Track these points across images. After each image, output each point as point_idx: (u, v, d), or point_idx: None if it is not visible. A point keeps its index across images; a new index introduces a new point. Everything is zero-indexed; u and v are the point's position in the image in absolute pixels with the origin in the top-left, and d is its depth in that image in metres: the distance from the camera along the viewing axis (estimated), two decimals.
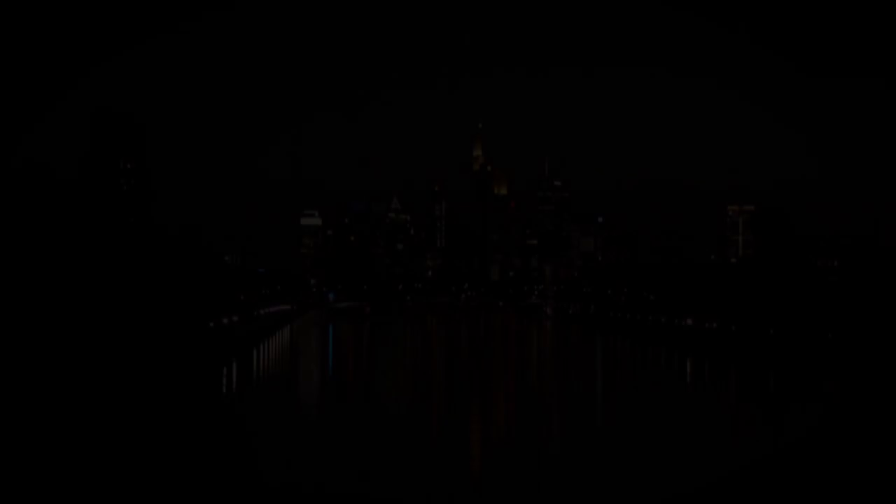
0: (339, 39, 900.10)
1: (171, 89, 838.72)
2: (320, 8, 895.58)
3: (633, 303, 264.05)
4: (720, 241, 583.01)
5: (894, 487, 58.17)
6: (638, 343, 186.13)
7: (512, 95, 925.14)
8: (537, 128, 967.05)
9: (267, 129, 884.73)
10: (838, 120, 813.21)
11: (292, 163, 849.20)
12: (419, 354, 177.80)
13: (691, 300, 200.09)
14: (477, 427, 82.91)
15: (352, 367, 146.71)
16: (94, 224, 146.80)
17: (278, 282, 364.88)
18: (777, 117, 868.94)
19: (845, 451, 70.84)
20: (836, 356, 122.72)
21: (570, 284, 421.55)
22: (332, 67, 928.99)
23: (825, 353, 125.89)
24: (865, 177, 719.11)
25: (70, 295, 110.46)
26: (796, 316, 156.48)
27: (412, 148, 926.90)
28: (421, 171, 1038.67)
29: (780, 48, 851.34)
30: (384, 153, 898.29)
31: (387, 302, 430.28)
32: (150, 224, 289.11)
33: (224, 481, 57.42)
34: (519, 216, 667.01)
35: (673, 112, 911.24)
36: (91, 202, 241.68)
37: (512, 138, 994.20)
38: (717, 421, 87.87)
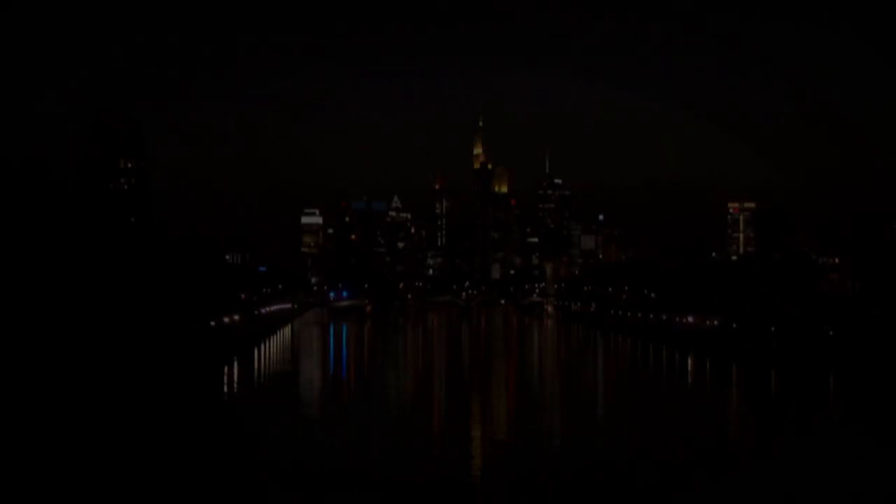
0: (338, 39, 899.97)
1: (172, 89, 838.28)
2: (320, 7, 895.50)
3: (633, 301, 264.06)
4: (721, 239, 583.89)
5: (894, 485, 58.28)
6: (639, 341, 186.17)
7: (512, 93, 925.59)
8: (538, 126, 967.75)
9: (267, 129, 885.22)
10: (839, 118, 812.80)
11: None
12: (420, 353, 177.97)
13: (692, 298, 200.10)
14: (477, 426, 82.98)
15: (353, 366, 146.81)
16: (94, 224, 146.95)
17: (279, 280, 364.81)
18: (777, 115, 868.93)
19: (845, 448, 70.94)
20: (836, 353, 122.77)
21: (570, 283, 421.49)
22: (332, 67, 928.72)
23: (826, 351, 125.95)
24: (865, 175, 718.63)
25: (71, 295, 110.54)
26: (797, 313, 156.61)
27: (412, 146, 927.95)
28: (421, 169, 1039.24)
29: (779, 46, 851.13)
30: (384, 152, 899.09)
31: (388, 300, 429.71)
32: (150, 224, 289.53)
33: (224, 480, 57.50)
34: (520, 214, 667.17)
35: (673, 110, 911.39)
36: (91, 202, 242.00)
37: (512, 136, 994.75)
38: (718, 419, 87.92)
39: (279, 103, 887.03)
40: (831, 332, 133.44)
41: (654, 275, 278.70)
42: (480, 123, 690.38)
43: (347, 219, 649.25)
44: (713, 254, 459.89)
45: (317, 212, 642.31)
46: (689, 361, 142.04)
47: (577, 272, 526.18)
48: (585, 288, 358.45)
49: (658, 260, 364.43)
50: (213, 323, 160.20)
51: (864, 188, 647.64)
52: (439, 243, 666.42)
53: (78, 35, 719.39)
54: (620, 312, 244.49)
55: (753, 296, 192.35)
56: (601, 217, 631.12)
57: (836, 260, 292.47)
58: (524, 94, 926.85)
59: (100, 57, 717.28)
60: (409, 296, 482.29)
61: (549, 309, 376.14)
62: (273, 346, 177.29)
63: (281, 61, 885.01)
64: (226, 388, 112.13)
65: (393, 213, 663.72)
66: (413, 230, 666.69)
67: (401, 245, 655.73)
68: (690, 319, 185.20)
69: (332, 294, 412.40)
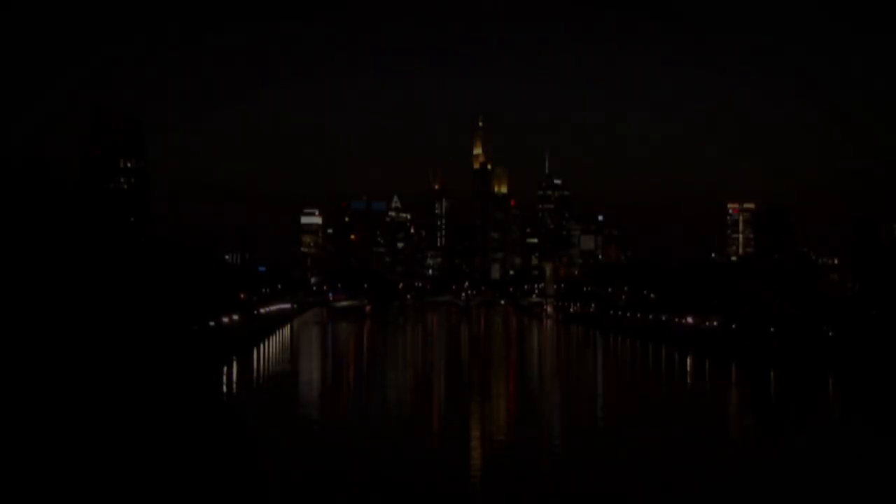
0: (339, 39, 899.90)
1: (172, 89, 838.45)
2: (321, 7, 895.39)
3: (633, 301, 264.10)
4: (721, 240, 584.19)
5: (894, 486, 58.27)
6: (638, 341, 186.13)
7: (512, 94, 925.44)
8: (538, 126, 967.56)
9: (267, 129, 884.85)
10: (839, 117, 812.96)
11: None
12: (420, 353, 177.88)
13: (692, 298, 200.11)
14: (477, 426, 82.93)
15: (353, 366, 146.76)
16: (94, 224, 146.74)
17: (279, 280, 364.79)
18: (778, 114, 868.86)
19: (845, 449, 70.93)
20: (836, 353, 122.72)
21: (570, 283, 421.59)
22: (332, 66, 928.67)
23: (826, 351, 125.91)
24: (865, 175, 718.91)
25: (71, 295, 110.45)
26: (797, 313, 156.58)
27: (413, 146, 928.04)
28: (421, 169, 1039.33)
29: (778, 46, 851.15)
30: (384, 152, 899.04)
31: (388, 300, 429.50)
32: (150, 223, 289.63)
33: (224, 481, 57.47)
34: (519, 215, 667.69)
35: (673, 110, 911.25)
36: (91, 202, 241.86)
37: (513, 136, 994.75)
38: (718, 419, 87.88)
39: (279, 103, 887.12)
40: (831, 333, 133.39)
41: (654, 275, 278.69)
42: (480, 123, 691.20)
43: (347, 219, 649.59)
44: (713, 254, 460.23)
45: (317, 212, 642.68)
46: (689, 362, 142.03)
47: (576, 272, 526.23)
48: (585, 288, 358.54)
49: (658, 260, 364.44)
50: (212, 323, 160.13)
51: (863, 188, 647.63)
52: (439, 243, 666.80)
53: (78, 35, 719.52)
54: (620, 313, 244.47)
55: (753, 296, 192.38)
56: (601, 217, 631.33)
57: (836, 260, 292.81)
58: (524, 94, 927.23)
59: (100, 57, 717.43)
60: (409, 296, 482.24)
61: (549, 309, 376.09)
62: (272, 346, 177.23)
63: (281, 61, 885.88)
64: (225, 389, 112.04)
65: (393, 213, 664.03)
66: (413, 230, 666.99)
67: (401, 245, 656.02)
68: (690, 320, 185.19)
69: (331, 294, 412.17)
